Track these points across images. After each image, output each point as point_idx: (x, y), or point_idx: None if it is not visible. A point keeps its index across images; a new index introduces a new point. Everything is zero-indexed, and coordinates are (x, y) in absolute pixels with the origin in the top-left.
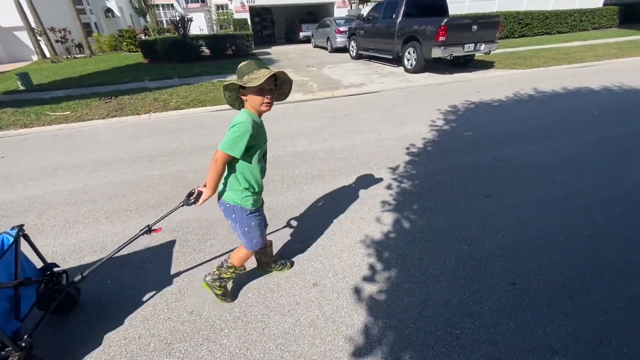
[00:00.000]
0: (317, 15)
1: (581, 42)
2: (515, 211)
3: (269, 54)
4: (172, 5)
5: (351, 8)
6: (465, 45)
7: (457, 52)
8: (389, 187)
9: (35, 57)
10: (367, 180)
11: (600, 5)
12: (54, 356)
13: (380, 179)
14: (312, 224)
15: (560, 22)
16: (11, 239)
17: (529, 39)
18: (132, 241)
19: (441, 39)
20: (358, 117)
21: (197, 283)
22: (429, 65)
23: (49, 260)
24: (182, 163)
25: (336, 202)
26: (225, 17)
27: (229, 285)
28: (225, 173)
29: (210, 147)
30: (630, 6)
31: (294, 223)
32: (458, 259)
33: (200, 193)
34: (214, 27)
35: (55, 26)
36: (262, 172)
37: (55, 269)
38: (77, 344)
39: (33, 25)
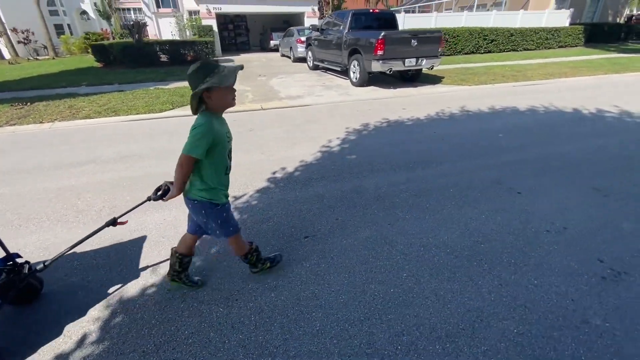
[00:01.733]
0: (292, 25)
1: (542, 59)
2: (325, 258)
3: (231, 60)
4: (140, 9)
5: (320, 18)
6: (406, 60)
7: (397, 66)
8: None
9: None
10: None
11: (567, 24)
12: (11, 345)
13: None
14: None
15: (525, 40)
16: None
17: (491, 55)
18: (96, 233)
19: (379, 52)
20: (261, 133)
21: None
22: (378, 78)
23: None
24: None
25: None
26: (195, 23)
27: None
28: (195, 175)
29: (79, 163)
30: (596, 26)
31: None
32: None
33: (168, 189)
34: (187, 32)
35: (21, 27)
36: (227, 169)
37: (18, 260)
38: (37, 333)
39: None
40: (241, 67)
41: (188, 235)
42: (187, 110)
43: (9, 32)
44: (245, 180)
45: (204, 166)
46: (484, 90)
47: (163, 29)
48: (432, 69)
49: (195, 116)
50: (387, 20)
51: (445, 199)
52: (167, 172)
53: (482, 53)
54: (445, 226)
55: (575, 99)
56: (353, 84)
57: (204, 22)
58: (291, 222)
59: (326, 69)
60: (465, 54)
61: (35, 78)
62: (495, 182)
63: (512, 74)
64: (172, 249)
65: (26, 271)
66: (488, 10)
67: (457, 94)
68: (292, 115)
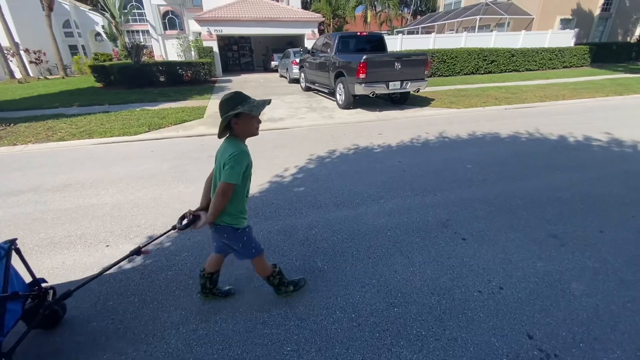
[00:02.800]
0: (296, 46)
1: (543, 80)
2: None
3: (229, 81)
4: (147, 31)
5: None
6: (390, 83)
7: (380, 89)
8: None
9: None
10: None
11: (572, 44)
12: None
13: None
14: None
15: (527, 60)
16: (2, 253)
17: (491, 76)
18: (121, 261)
19: (361, 76)
20: (209, 161)
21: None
22: (366, 101)
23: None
24: None
25: None
26: (198, 44)
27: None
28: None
29: (20, 191)
30: (602, 46)
31: None
32: None
33: (195, 217)
34: (192, 53)
35: (35, 47)
36: (247, 192)
37: (44, 285)
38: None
39: (3, 45)
40: (269, 102)
41: (215, 255)
42: (163, 132)
43: (21, 52)
44: (165, 220)
45: (233, 191)
46: (471, 114)
47: (170, 50)
48: (418, 92)
49: (221, 140)
50: (375, 43)
51: (376, 245)
52: (99, 203)
53: (482, 74)
54: (362, 282)
55: (566, 124)
56: (339, 106)
57: (205, 44)
58: (195, 273)
59: (318, 91)
60: (465, 74)
61: (33, 98)
62: (442, 225)
63: (505, 97)
64: (200, 270)
65: (50, 297)
66: (491, 31)
67: (443, 117)
68: (264, 140)
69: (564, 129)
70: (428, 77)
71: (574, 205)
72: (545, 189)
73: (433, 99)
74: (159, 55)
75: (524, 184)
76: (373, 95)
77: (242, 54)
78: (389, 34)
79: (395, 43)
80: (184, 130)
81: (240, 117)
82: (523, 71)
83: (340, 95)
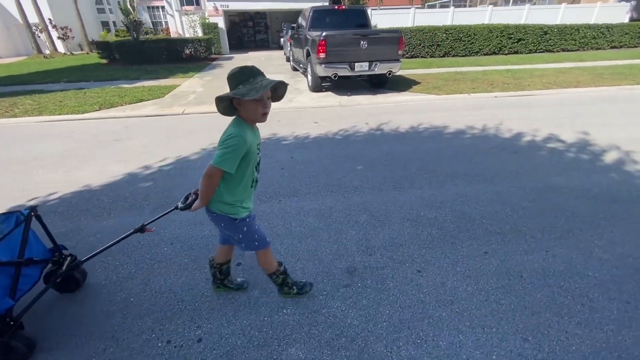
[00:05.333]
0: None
1: (570, 63)
2: None
3: (231, 58)
4: (163, 7)
5: None
6: (356, 64)
7: (343, 71)
8: None
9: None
10: None
11: (625, 20)
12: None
13: None
14: None
15: (564, 39)
16: (22, 218)
17: (513, 57)
18: (124, 238)
19: (321, 55)
20: (121, 145)
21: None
22: (343, 83)
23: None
24: None
25: None
26: (207, 20)
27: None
28: (221, 186)
29: None
30: None
31: None
32: None
33: (196, 198)
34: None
35: (66, 24)
36: (254, 182)
37: (65, 252)
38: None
39: (31, 21)
40: (281, 83)
41: (221, 245)
42: (110, 111)
43: (49, 28)
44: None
45: (231, 178)
46: (448, 102)
47: (186, 27)
48: (390, 75)
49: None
50: (355, 18)
51: (171, 254)
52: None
53: (505, 54)
54: None
55: (545, 119)
56: (309, 88)
57: (212, 20)
58: None
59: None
60: (485, 54)
61: (37, 73)
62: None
63: (505, 82)
64: (209, 259)
65: (65, 266)
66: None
67: (411, 105)
68: (196, 124)
69: (534, 124)
70: (441, 55)
71: (423, 229)
72: (413, 205)
73: (419, 82)
74: (174, 31)
75: (383, 196)
76: (335, 77)
77: (257, 30)
78: (419, 7)
79: (407, 19)
80: (131, 110)
81: (239, 99)
82: (558, 51)
83: (310, 76)
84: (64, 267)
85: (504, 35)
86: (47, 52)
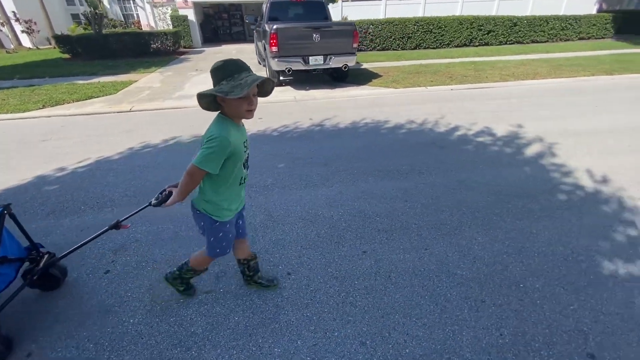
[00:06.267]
0: None
1: (539, 55)
2: None
3: (202, 52)
4: None
5: None
6: (311, 58)
7: (297, 65)
8: None
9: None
10: None
11: (593, 12)
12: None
13: None
14: None
15: (534, 30)
16: None
17: (482, 49)
18: (100, 235)
19: (274, 49)
20: (47, 144)
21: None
22: (303, 77)
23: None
24: None
25: None
26: (173, 13)
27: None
28: (203, 183)
29: None
30: (632, 14)
31: None
32: None
33: (170, 193)
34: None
35: (32, 16)
36: (242, 180)
37: (42, 249)
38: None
39: None
40: (267, 80)
41: (236, 241)
42: (54, 110)
43: (12, 21)
44: None
45: (217, 177)
46: (405, 95)
47: (158, 19)
48: (346, 68)
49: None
50: (314, 10)
51: None
52: None
53: (476, 46)
54: None
55: (496, 111)
56: None
57: (181, 12)
58: None
59: None
60: (456, 46)
61: None
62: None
63: (465, 74)
64: (235, 257)
65: (42, 263)
66: None
67: (366, 99)
68: (138, 122)
69: (474, 118)
70: (412, 48)
71: (314, 229)
72: (315, 203)
73: (381, 76)
74: (146, 24)
75: (290, 195)
76: (289, 71)
77: (233, 22)
78: None
79: (379, 10)
80: (77, 108)
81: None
82: (528, 43)
83: (267, 70)
84: (40, 265)
85: (474, 27)
86: (12, 46)
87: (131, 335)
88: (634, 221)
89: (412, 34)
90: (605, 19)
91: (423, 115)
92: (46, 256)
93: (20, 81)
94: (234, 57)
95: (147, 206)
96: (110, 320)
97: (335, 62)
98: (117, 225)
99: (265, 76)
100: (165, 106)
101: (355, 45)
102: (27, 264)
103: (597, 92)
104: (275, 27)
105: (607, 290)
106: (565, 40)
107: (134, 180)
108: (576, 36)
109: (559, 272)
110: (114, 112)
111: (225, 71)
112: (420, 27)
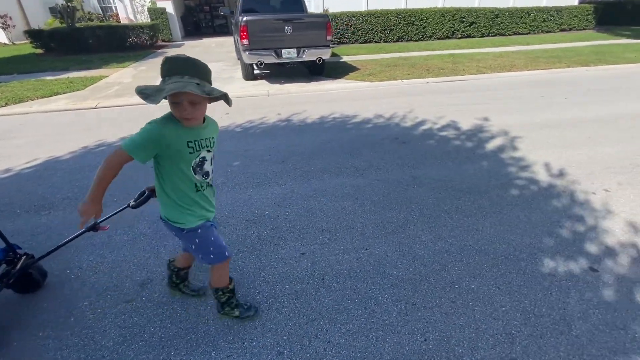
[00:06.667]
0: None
1: (518, 47)
2: None
3: (181, 45)
4: None
5: None
6: (283, 51)
7: (269, 59)
8: None
9: None
10: None
11: (575, 3)
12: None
13: None
14: None
15: (515, 22)
16: None
17: (463, 41)
18: (77, 237)
19: (245, 42)
20: (1, 144)
21: None
22: (281, 71)
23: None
24: None
25: None
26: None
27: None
28: (158, 188)
29: None
30: (612, 5)
31: None
32: None
33: (149, 195)
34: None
35: (6, 11)
36: (199, 186)
37: (19, 251)
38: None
39: None
40: (184, 93)
41: (184, 252)
42: (15, 107)
43: None
44: None
45: (161, 177)
46: (379, 89)
47: (137, 12)
48: (321, 61)
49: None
50: (289, 2)
51: None
52: None
53: (458, 38)
54: None
55: (466, 104)
56: (243, 76)
57: (159, 4)
58: None
59: None
60: (438, 38)
61: None
62: None
63: (442, 67)
64: (168, 260)
65: (19, 264)
66: None
67: (339, 93)
68: (99, 119)
69: (442, 111)
70: (395, 40)
71: (255, 230)
72: (263, 203)
73: (358, 69)
74: (124, 17)
75: (239, 194)
76: (261, 65)
77: (215, 15)
78: None
79: (361, 2)
80: (39, 105)
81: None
82: (510, 35)
83: (241, 64)
84: (17, 267)
85: (456, 19)
86: None
87: (37, 351)
88: (582, 216)
89: (394, 26)
90: (587, 10)
91: (392, 109)
92: (23, 257)
93: None
94: (183, 56)
95: (125, 207)
96: (15, 335)
97: (309, 55)
98: (94, 227)
99: (185, 89)
100: (132, 102)
101: (329, 37)
102: (4, 266)
103: (570, 84)
104: (245, 19)
105: (542, 290)
106: (547, 32)
107: (81, 181)
108: (558, 28)
109: (497, 271)
110: (76, 110)
111: (164, 70)
112: (402, 19)
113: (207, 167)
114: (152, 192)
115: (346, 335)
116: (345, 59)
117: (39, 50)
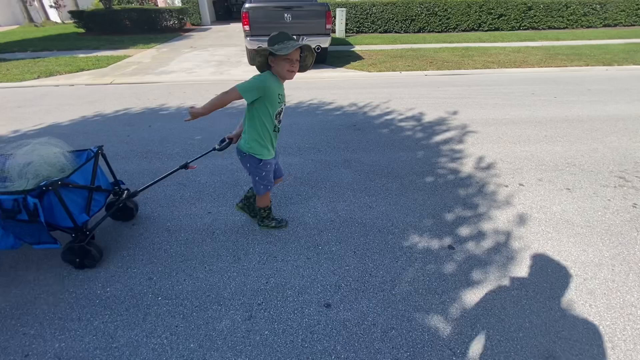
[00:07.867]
0: None
1: (544, 42)
2: None
3: (208, 29)
4: None
5: None
6: None
7: None
8: None
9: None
10: None
11: None
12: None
13: None
14: None
15: (551, 15)
16: (92, 154)
17: (489, 35)
18: (171, 174)
19: (246, 28)
20: (15, 110)
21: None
22: None
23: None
24: None
25: None
26: None
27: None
28: (246, 125)
29: None
30: None
31: None
32: None
33: (230, 140)
34: None
35: None
36: (275, 128)
37: (123, 186)
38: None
39: None
40: (306, 46)
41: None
42: (46, 80)
43: None
44: None
45: (255, 117)
46: (374, 79)
47: None
48: (319, 49)
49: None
50: None
51: None
52: None
53: (485, 31)
54: None
55: (446, 97)
56: (248, 61)
57: None
58: None
59: None
60: (463, 30)
61: (10, 43)
62: None
63: (447, 60)
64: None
65: (124, 195)
66: None
67: (331, 81)
68: (106, 94)
69: (416, 104)
70: (416, 31)
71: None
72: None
73: (363, 59)
74: (162, 0)
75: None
76: None
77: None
78: None
79: None
80: (65, 79)
81: (274, 56)
82: (544, 29)
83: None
84: (122, 197)
85: (483, 11)
86: (40, 21)
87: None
88: (477, 204)
89: (415, 16)
90: (637, 4)
91: (369, 99)
92: (126, 191)
93: (31, 53)
94: (285, 32)
95: (211, 150)
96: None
97: (308, 43)
98: (185, 166)
99: (304, 43)
100: (143, 80)
101: (328, 26)
102: (111, 196)
103: (572, 83)
104: (246, 6)
105: (391, 258)
106: (587, 27)
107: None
108: (600, 23)
109: (363, 239)
110: (93, 85)
111: (278, 38)
112: (425, 8)
113: (281, 115)
114: (230, 140)
115: (208, 273)
116: (356, 48)
117: (81, 30)
